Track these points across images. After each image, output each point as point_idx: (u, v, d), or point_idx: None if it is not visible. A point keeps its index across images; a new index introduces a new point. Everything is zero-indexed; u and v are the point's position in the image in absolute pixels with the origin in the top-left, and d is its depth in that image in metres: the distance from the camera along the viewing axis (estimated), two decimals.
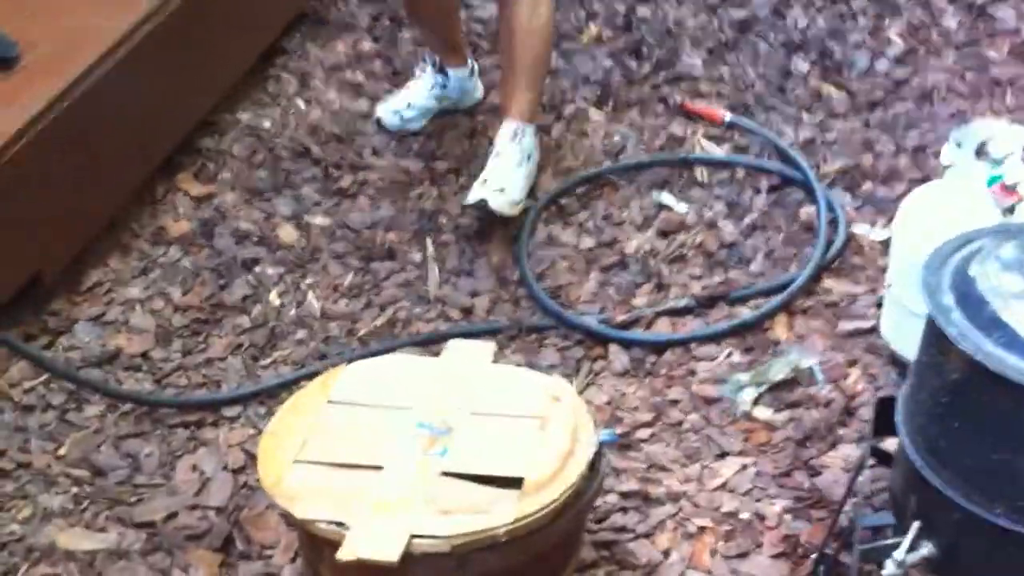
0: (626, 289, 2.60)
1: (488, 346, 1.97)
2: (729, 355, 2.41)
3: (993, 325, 1.34)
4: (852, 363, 2.35)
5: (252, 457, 2.10)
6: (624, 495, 2.11)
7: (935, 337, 1.41)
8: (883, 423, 1.69)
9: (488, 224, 2.75)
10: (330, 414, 1.81)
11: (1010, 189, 2.02)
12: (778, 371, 2.32)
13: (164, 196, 2.90)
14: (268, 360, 2.44)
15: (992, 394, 1.34)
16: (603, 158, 2.99)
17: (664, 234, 2.74)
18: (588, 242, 2.73)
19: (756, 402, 2.28)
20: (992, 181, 2.04)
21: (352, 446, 1.73)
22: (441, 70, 3.08)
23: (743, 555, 1.99)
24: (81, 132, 2.57)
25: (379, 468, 1.68)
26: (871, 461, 1.80)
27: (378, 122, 3.12)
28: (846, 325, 2.45)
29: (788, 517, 2.05)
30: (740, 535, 2.03)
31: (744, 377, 2.33)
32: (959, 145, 2.08)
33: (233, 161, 3.03)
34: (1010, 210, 1.99)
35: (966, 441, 1.40)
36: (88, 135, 2.60)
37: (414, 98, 3.10)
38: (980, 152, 2.13)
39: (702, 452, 2.20)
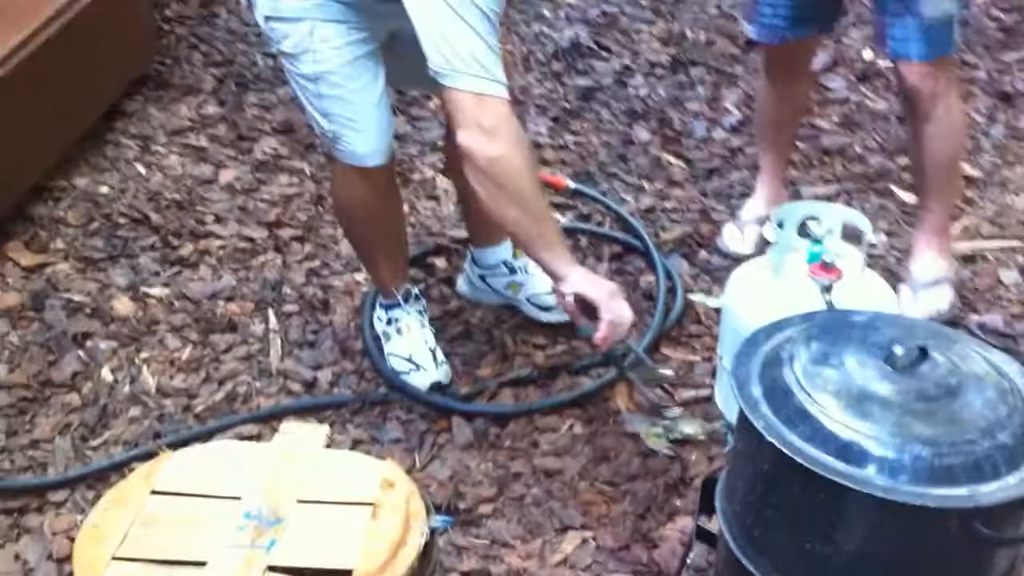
0: (471, 359, 2.60)
1: (321, 429, 1.92)
2: (571, 426, 2.43)
3: (798, 417, 1.38)
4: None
5: None
6: (465, 574, 2.10)
7: (746, 428, 1.45)
8: (709, 502, 1.72)
9: (332, 294, 2.73)
10: (153, 506, 1.74)
11: (828, 267, 2.08)
12: (687, 425, 2.39)
13: None
14: (99, 440, 2.36)
15: (799, 486, 1.38)
16: (451, 226, 3.00)
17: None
18: (434, 311, 2.73)
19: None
20: (812, 259, 2.10)
21: (175, 540, 1.67)
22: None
23: None
24: None
25: (202, 564, 1.63)
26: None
27: None
28: (684, 393, 2.50)
29: None
30: None
31: (665, 422, 2.40)
32: (780, 225, 2.14)
33: (67, 229, 2.93)
34: (828, 288, 2.05)
35: (779, 530, 1.44)
36: None
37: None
38: (802, 230, 2.19)
39: (544, 526, 2.21)
